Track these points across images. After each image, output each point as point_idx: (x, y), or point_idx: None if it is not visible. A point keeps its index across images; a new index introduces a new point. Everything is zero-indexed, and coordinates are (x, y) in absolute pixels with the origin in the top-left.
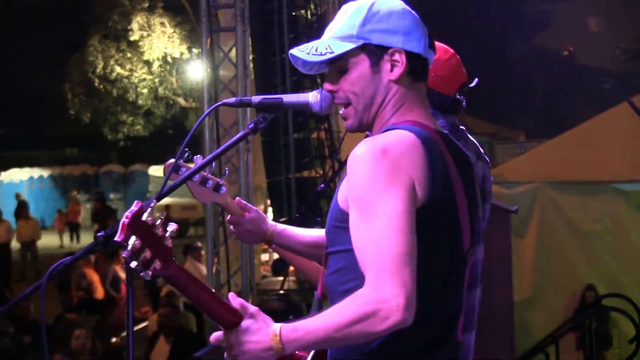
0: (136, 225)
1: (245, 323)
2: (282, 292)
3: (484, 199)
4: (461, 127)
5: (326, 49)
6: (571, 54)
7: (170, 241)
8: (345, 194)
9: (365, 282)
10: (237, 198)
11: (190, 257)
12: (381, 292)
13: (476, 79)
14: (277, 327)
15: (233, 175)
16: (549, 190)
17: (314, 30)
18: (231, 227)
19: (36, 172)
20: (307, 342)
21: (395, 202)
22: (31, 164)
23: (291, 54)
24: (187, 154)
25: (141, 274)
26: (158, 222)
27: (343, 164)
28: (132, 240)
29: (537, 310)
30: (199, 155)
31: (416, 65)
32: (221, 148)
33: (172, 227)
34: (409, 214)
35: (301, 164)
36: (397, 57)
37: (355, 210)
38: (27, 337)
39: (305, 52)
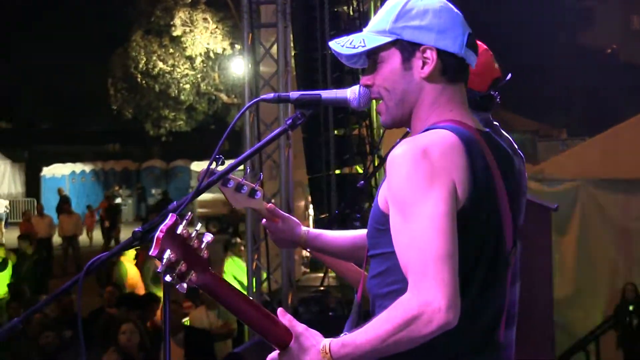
0: (171, 238)
1: (296, 341)
2: (322, 288)
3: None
4: (495, 123)
5: (360, 42)
6: (614, 51)
7: (206, 252)
8: (385, 195)
9: (408, 286)
10: (270, 203)
11: (230, 252)
12: (423, 296)
13: (509, 75)
14: (326, 343)
15: (274, 171)
16: (591, 187)
17: (356, 26)
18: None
19: (78, 167)
20: (356, 356)
21: (436, 203)
22: (73, 159)
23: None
24: (221, 160)
25: (177, 286)
26: (193, 234)
27: (383, 160)
28: (167, 254)
29: (577, 308)
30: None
31: (450, 64)
32: (258, 144)
33: (207, 238)
34: (450, 216)
35: (342, 161)
36: (428, 54)
37: (396, 212)
38: (69, 332)
39: (340, 44)
